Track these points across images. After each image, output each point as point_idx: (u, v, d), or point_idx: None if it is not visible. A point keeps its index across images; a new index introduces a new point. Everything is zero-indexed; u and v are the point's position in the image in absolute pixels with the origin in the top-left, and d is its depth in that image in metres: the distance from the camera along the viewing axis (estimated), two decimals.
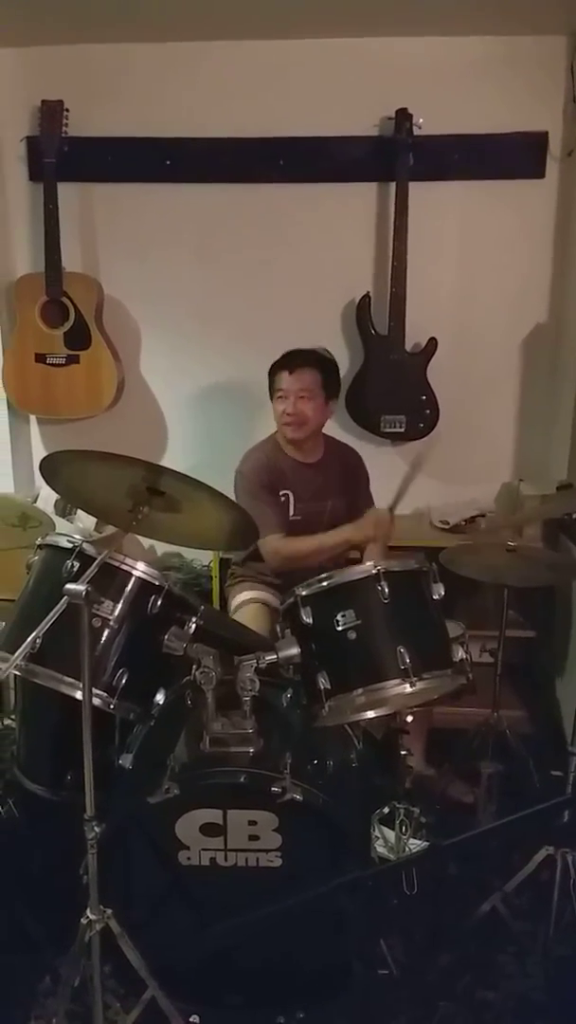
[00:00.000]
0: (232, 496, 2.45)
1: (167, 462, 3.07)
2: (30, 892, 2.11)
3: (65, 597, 1.53)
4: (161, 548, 3.41)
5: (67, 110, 3.07)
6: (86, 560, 1.77)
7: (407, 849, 2.03)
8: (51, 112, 3.05)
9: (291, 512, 2.63)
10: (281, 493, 2.63)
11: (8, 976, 1.99)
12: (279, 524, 2.55)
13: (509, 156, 3.11)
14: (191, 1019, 1.84)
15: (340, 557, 2.62)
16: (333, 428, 3.08)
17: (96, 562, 1.65)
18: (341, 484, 2.71)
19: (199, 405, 3.40)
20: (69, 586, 1.52)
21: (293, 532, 2.62)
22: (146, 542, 3.33)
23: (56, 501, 3.07)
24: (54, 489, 1.97)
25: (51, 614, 1.55)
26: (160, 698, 1.85)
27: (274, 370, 2.62)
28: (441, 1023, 1.90)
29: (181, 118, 3.16)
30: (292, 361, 2.59)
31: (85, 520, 3.04)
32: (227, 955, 1.83)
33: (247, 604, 2.61)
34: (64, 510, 3.09)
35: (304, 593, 1.88)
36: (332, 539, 2.53)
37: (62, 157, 3.06)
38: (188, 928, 1.82)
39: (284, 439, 2.66)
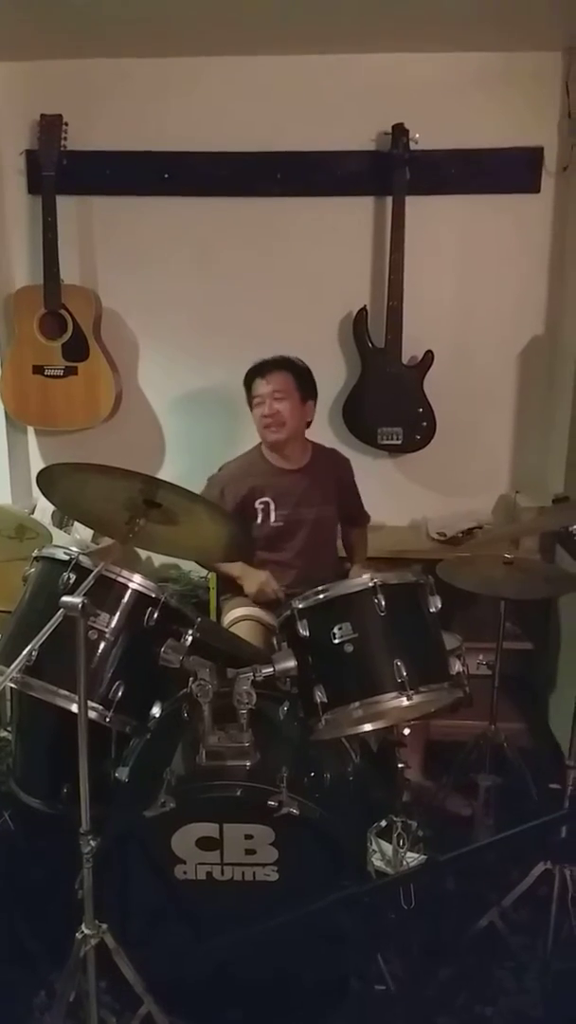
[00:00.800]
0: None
1: (164, 473, 3.09)
2: (27, 906, 2.10)
3: (61, 610, 1.53)
4: (159, 560, 3.40)
5: (66, 124, 3.08)
6: (82, 572, 1.77)
7: (405, 863, 2.02)
8: (50, 126, 3.07)
9: (272, 519, 2.67)
10: (260, 501, 2.66)
11: (4, 990, 1.98)
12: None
13: (505, 171, 3.13)
14: None
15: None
16: (330, 439, 3.11)
17: (92, 574, 1.65)
18: (329, 491, 2.73)
19: (196, 417, 3.41)
20: (65, 599, 1.52)
21: (273, 537, 2.67)
22: (143, 554, 3.33)
23: (53, 513, 3.07)
24: (51, 501, 1.97)
25: (47, 627, 1.55)
26: (156, 711, 1.85)
27: (248, 380, 2.70)
28: None
29: (179, 132, 3.18)
30: (263, 367, 2.67)
31: (82, 532, 3.04)
32: (224, 970, 1.81)
33: (239, 621, 2.61)
34: (62, 522, 3.08)
35: (301, 606, 1.88)
36: (224, 569, 2.69)
37: (61, 170, 3.08)
38: (184, 943, 1.81)
39: (267, 446, 2.70)
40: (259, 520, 2.66)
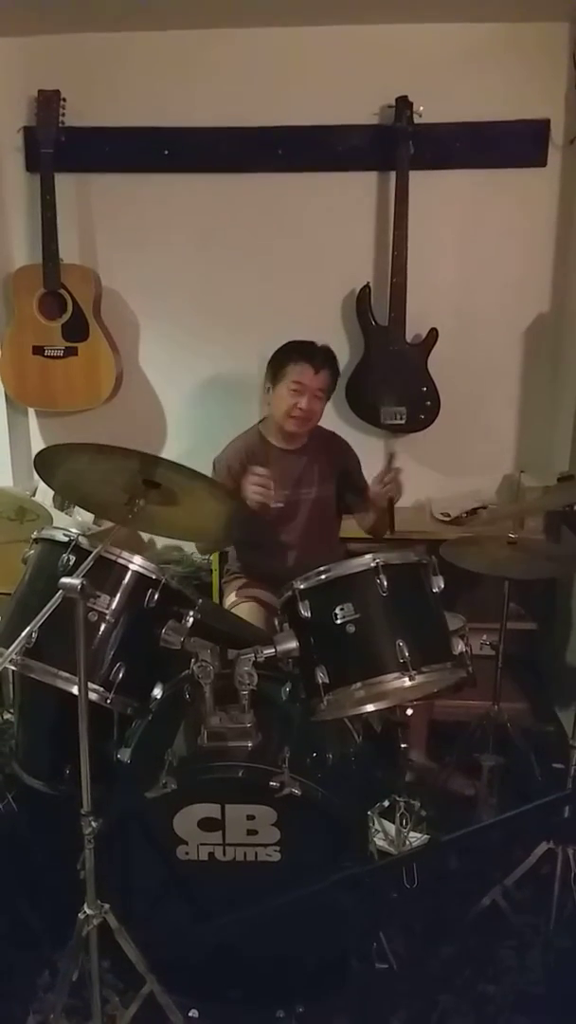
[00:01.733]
0: None
1: (166, 454, 3.05)
2: (30, 886, 2.10)
3: (60, 591, 1.52)
4: (161, 541, 3.39)
5: (64, 100, 3.04)
6: (82, 554, 1.76)
7: (407, 842, 2.03)
8: (48, 102, 3.02)
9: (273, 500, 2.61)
10: None
11: (7, 970, 1.99)
12: None
13: (510, 144, 3.08)
14: (190, 1013, 1.84)
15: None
16: (333, 419, 3.08)
17: (91, 556, 1.63)
18: (327, 471, 2.70)
19: (198, 397, 3.38)
20: (64, 580, 1.50)
21: (275, 519, 2.62)
22: (146, 535, 3.32)
23: (54, 495, 3.06)
24: (50, 485, 1.96)
25: (46, 608, 1.54)
26: (158, 692, 1.84)
27: (294, 358, 2.53)
28: (441, 1017, 1.89)
29: (179, 107, 3.13)
30: (316, 357, 2.53)
31: (83, 513, 3.02)
32: (226, 949, 1.82)
33: (240, 602, 2.60)
34: (63, 504, 3.07)
35: (302, 587, 1.86)
36: None
37: (59, 147, 3.03)
38: (187, 923, 1.81)
39: (273, 426, 2.64)
40: None
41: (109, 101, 3.13)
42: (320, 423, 2.77)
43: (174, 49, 3.09)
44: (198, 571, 3.28)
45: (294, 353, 2.54)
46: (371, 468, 2.85)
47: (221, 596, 2.82)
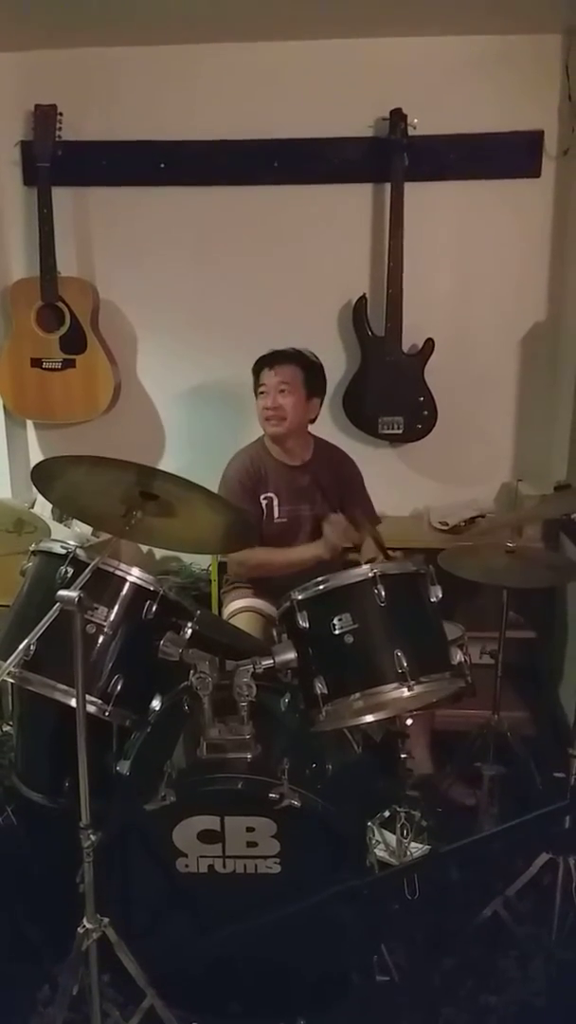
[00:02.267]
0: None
1: (164, 466, 3.08)
2: (29, 900, 2.10)
3: (58, 604, 1.52)
4: (160, 552, 3.40)
5: (61, 114, 3.06)
6: (80, 566, 1.75)
7: (408, 853, 2.02)
8: (45, 116, 3.04)
9: (276, 515, 2.64)
10: (264, 496, 2.64)
11: (7, 984, 1.98)
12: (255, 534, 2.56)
13: (505, 155, 3.10)
14: None
15: (337, 560, 2.61)
16: (331, 429, 3.08)
17: (89, 568, 1.63)
18: (329, 487, 2.71)
19: (196, 408, 3.39)
20: (62, 592, 1.51)
21: (278, 534, 2.64)
22: (144, 547, 3.32)
23: (53, 507, 3.05)
24: (47, 498, 1.96)
25: (44, 621, 1.54)
26: (156, 704, 1.83)
27: (257, 368, 2.68)
28: None
29: (175, 121, 3.15)
30: (273, 358, 2.65)
31: (82, 526, 3.02)
32: (227, 962, 1.81)
33: (239, 612, 2.60)
34: (61, 516, 3.07)
35: (300, 597, 1.86)
36: (301, 555, 2.55)
37: (56, 161, 3.05)
38: (187, 936, 1.80)
39: (269, 439, 2.68)
40: (264, 516, 2.64)
41: (105, 115, 3.16)
42: (321, 436, 2.78)
43: (170, 63, 3.11)
44: (196, 582, 3.28)
45: (256, 364, 2.69)
46: (369, 478, 2.86)
47: (220, 606, 2.82)
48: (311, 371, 2.67)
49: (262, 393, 2.63)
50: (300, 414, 2.64)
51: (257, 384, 2.67)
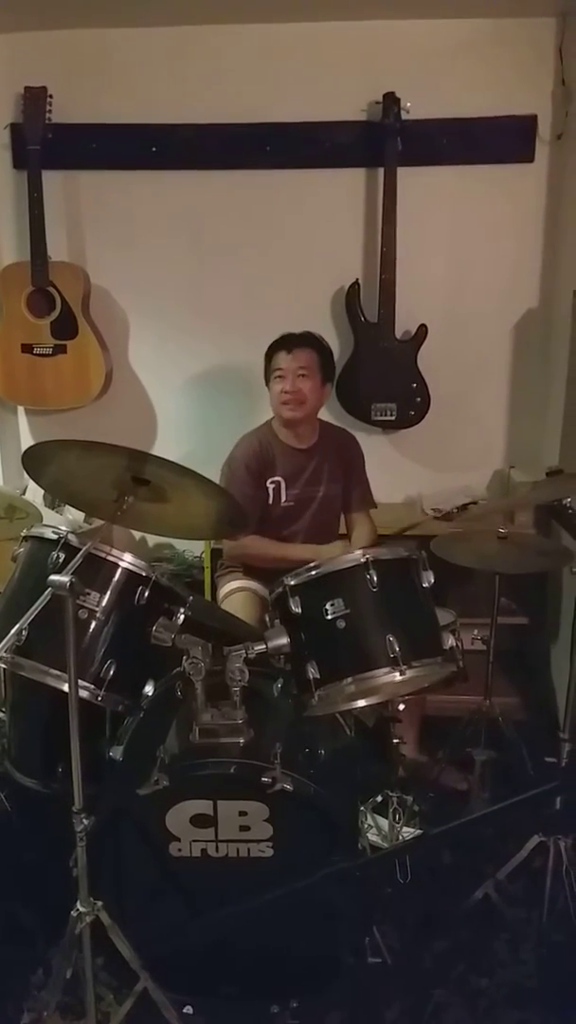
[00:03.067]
0: (218, 481, 2.45)
1: (157, 452, 3.06)
2: (23, 884, 2.10)
3: (49, 589, 1.51)
4: (153, 539, 3.39)
5: (51, 96, 3.02)
6: (71, 551, 1.75)
7: (400, 837, 2.03)
8: (34, 99, 3.01)
9: (283, 498, 2.64)
10: (271, 481, 2.63)
11: (1, 968, 1.99)
12: (253, 520, 2.56)
13: (498, 140, 3.08)
14: (184, 1009, 1.84)
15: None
16: (324, 415, 3.06)
17: (80, 553, 1.63)
18: (336, 470, 2.72)
19: (188, 394, 3.38)
20: (53, 577, 1.50)
21: (283, 517, 2.64)
22: (137, 533, 3.31)
23: (45, 493, 3.04)
24: (38, 484, 1.95)
25: (35, 606, 1.54)
26: (149, 689, 1.84)
27: (272, 351, 2.65)
28: (435, 1010, 1.89)
29: (167, 104, 3.12)
30: (290, 341, 2.62)
31: (74, 512, 3.01)
32: (220, 945, 1.82)
33: (235, 592, 2.60)
34: (53, 502, 3.06)
35: (293, 582, 1.86)
36: (296, 554, 2.52)
37: (46, 144, 3.02)
38: (180, 919, 1.81)
39: (279, 422, 2.67)
40: (270, 500, 2.64)
41: (96, 98, 3.13)
42: (325, 418, 2.77)
43: (162, 45, 3.08)
44: (190, 568, 3.28)
45: (272, 346, 2.65)
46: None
47: (214, 591, 2.82)
48: (325, 355, 2.67)
49: (279, 377, 2.60)
50: (317, 398, 2.63)
51: (271, 368, 2.63)
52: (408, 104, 2.97)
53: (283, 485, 2.64)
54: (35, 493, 3.05)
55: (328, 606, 1.80)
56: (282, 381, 2.59)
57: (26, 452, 1.75)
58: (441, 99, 3.03)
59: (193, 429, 3.36)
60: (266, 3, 2.87)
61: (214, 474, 2.60)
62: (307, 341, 2.63)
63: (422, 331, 3.12)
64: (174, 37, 3.07)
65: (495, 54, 3.01)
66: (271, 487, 2.64)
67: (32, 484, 3.06)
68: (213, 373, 3.33)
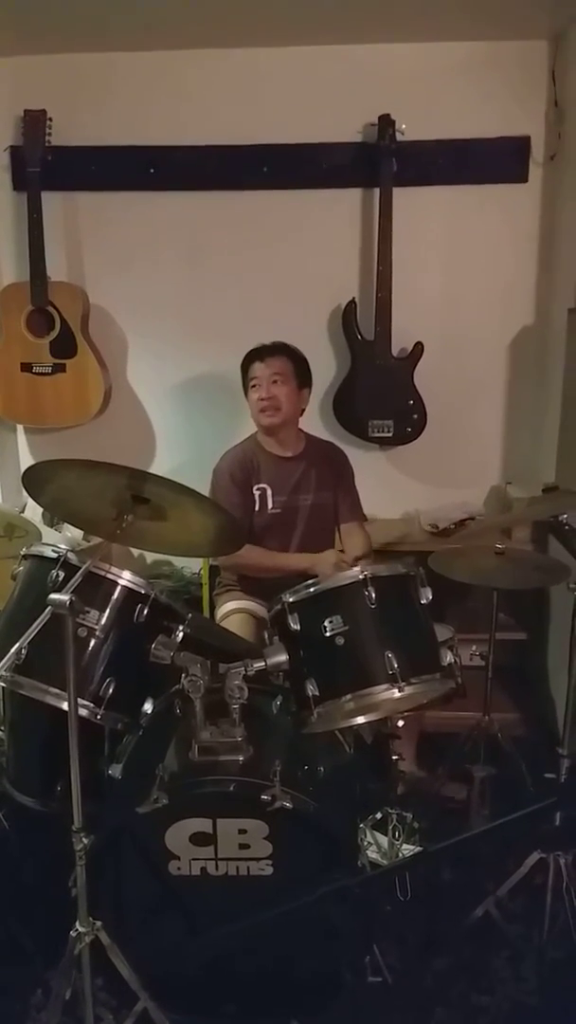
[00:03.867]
0: (207, 494, 2.47)
1: (155, 470, 3.06)
2: (22, 904, 2.09)
3: (49, 607, 1.52)
4: (151, 556, 3.39)
5: (50, 119, 3.06)
6: (71, 569, 1.76)
7: (400, 854, 2.02)
8: (34, 122, 3.04)
9: (270, 505, 2.66)
10: (257, 488, 2.66)
11: (1, 989, 1.97)
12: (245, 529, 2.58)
13: (492, 161, 3.12)
14: None
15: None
16: (321, 433, 3.09)
17: (80, 571, 1.64)
18: (324, 478, 2.73)
19: (187, 412, 3.40)
20: (53, 596, 1.51)
21: (272, 525, 2.66)
22: (135, 550, 3.32)
23: (44, 511, 3.06)
24: (38, 502, 1.96)
25: (35, 624, 1.54)
26: (148, 707, 1.84)
27: (246, 363, 2.71)
28: None
29: (165, 126, 3.16)
30: (261, 351, 2.69)
31: (73, 530, 3.02)
32: (220, 964, 1.81)
33: (232, 614, 2.61)
34: (52, 520, 3.07)
35: (291, 599, 1.87)
36: (291, 563, 2.55)
37: (46, 166, 3.06)
38: (180, 938, 1.80)
39: (261, 432, 2.70)
40: (257, 507, 2.66)
41: (95, 120, 3.16)
42: (311, 433, 2.80)
43: (159, 69, 3.12)
44: (188, 586, 3.29)
45: (246, 360, 2.72)
46: (359, 481, 2.87)
47: (212, 609, 2.83)
48: (298, 362, 2.71)
49: (254, 386, 2.66)
50: (293, 403, 2.67)
51: (248, 379, 2.69)
52: (403, 126, 3.02)
53: (269, 492, 2.66)
54: (34, 511, 3.07)
55: (327, 623, 1.81)
56: (257, 389, 2.65)
57: (27, 472, 1.77)
58: (436, 121, 3.07)
59: (191, 446, 3.38)
60: (262, 27, 2.92)
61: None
62: (278, 349, 2.69)
63: (418, 349, 3.15)
64: (172, 61, 3.11)
65: (489, 76, 3.06)
66: (257, 494, 2.66)
67: (31, 502, 3.08)
68: (210, 391, 3.35)
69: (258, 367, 2.66)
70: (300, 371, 2.71)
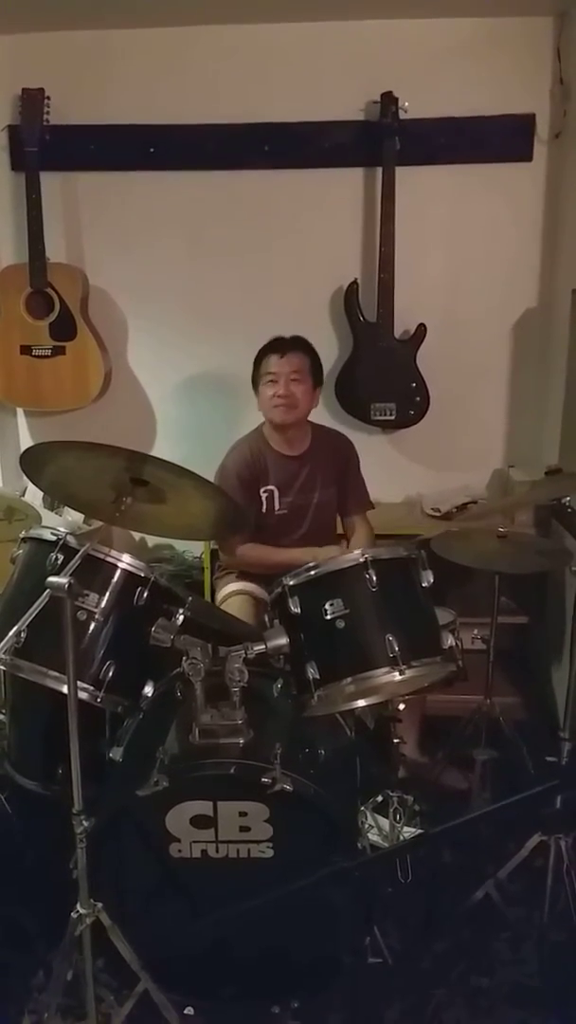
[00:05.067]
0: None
1: (157, 452, 3.06)
2: (24, 887, 2.10)
3: (48, 590, 1.51)
4: (152, 540, 3.39)
5: (48, 98, 3.03)
6: (70, 553, 1.75)
7: (401, 837, 2.03)
8: (32, 100, 3.01)
9: (277, 506, 2.63)
10: (264, 489, 2.62)
11: (2, 971, 1.98)
12: (248, 529, 2.56)
13: (496, 139, 3.08)
14: (185, 1011, 1.84)
15: None
16: (323, 416, 3.07)
17: (79, 554, 1.63)
18: (329, 475, 2.70)
19: (188, 395, 3.38)
20: (51, 579, 1.50)
21: (279, 525, 2.63)
22: (137, 534, 3.31)
23: (44, 495, 3.05)
24: (36, 485, 1.95)
25: (34, 607, 1.53)
26: (148, 691, 1.84)
27: (262, 355, 2.63)
28: (436, 1010, 1.89)
29: (165, 105, 3.12)
30: (281, 345, 2.61)
31: (74, 513, 3.02)
32: (221, 946, 1.82)
33: (233, 596, 2.60)
34: (52, 503, 3.07)
35: (292, 583, 1.86)
36: (295, 557, 2.47)
37: (44, 146, 3.02)
38: (180, 920, 1.81)
39: (271, 428, 2.66)
40: (264, 508, 2.63)
41: (94, 99, 3.12)
42: (316, 421, 2.77)
43: (159, 46, 3.08)
44: (189, 569, 3.28)
45: (261, 352, 2.63)
46: (362, 465, 2.85)
47: (213, 593, 2.82)
48: (315, 360, 2.65)
49: (271, 382, 2.57)
50: (308, 403, 2.62)
51: (262, 372, 2.60)
52: (406, 103, 2.97)
53: (276, 494, 2.63)
54: (34, 495, 3.06)
55: (327, 606, 1.80)
56: (274, 385, 2.56)
57: (24, 453, 1.76)
58: (439, 98, 3.03)
59: (192, 429, 3.36)
60: (264, 3, 2.87)
61: (212, 475, 2.60)
62: (299, 345, 2.62)
63: (421, 330, 3.12)
64: (171, 38, 3.07)
65: (493, 53, 3.01)
66: (264, 496, 2.62)
67: (31, 486, 3.07)
68: (212, 372, 3.33)
69: (276, 362, 2.58)
70: (316, 369, 2.65)
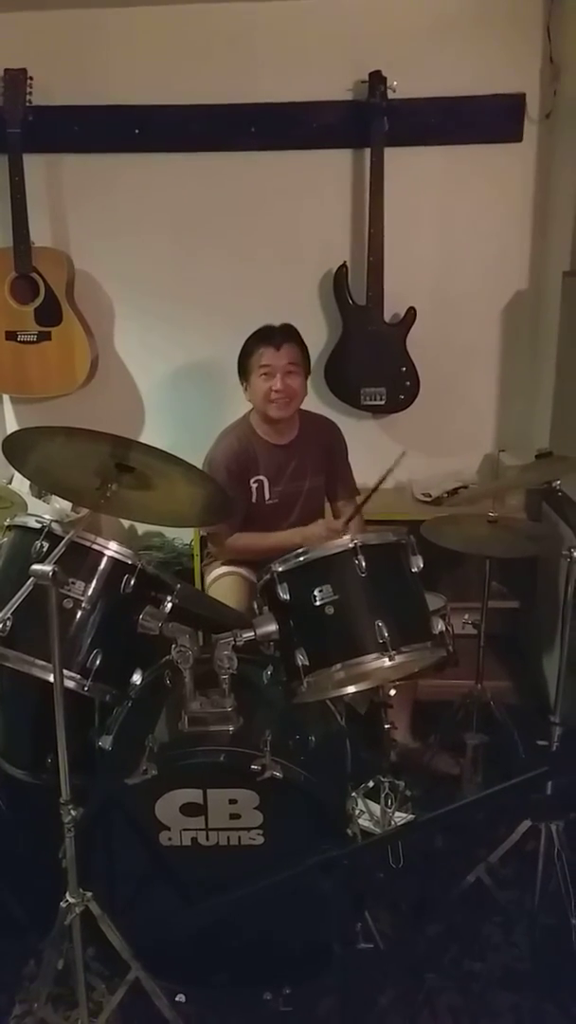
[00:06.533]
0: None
1: (145, 439, 3.03)
2: (14, 876, 2.09)
3: (32, 578, 1.49)
4: (142, 527, 3.37)
5: (31, 78, 2.97)
6: (55, 540, 1.73)
7: (393, 823, 2.02)
8: (14, 81, 2.95)
9: (267, 496, 2.60)
10: (254, 480, 2.59)
11: None
12: (237, 520, 2.54)
13: (486, 119, 3.05)
14: (177, 998, 1.84)
15: None
16: (312, 401, 3.03)
17: (63, 542, 1.61)
18: (318, 462, 2.68)
19: (175, 381, 3.35)
20: (35, 567, 1.48)
21: (270, 514, 2.61)
22: (126, 522, 3.29)
23: (31, 483, 3.01)
24: (20, 472, 1.92)
25: (18, 595, 1.52)
26: (137, 679, 1.83)
27: (254, 346, 2.55)
28: (428, 995, 1.90)
29: (150, 85, 3.07)
30: (275, 336, 2.54)
31: (61, 501, 2.99)
32: (212, 933, 1.82)
33: (223, 577, 2.59)
34: (40, 491, 3.03)
35: (281, 569, 1.84)
36: (284, 540, 2.46)
37: (27, 127, 2.97)
38: (171, 908, 1.81)
39: (259, 418, 2.62)
40: (254, 499, 2.60)
41: (78, 79, 3.07)
42: (304, 408, 2.74)
43: (144, 26, 3.03)
44: (179, 557, 3.26)
45: (252, 342, 2.56)
46: (351, 450, 2.83)
47: (202, 579, 2.80)
48: (305, 350, 2.60)
49: (266, 375, 2.50)
50: (303, 394, 2.59)
51: (255, 364, 2.52)
52: (395, 83, 2.93)
53: (266, 484, 2.60)
54: (21, 483, 3.02)
55: (316, 592, 1.79)
56: (270, 379, 2.50)
57: (6, 440, 1.73)
58: (428, 78, 2.99)
59: (180, 416, 3.33)
60: None
61: (200, 461, 2.58)
62: (291, 335, 2.55)
63: (411, 314, 3.09)
64: (157, 16, 3.02)
65: (482, 32, 2.97)
66: (254, 486, 2.59)
67: (19, 474, 3.04)
68: (199, 359, 3.30)
69: (270, 353, 2.50)
70: (306, 359, 2.60)
